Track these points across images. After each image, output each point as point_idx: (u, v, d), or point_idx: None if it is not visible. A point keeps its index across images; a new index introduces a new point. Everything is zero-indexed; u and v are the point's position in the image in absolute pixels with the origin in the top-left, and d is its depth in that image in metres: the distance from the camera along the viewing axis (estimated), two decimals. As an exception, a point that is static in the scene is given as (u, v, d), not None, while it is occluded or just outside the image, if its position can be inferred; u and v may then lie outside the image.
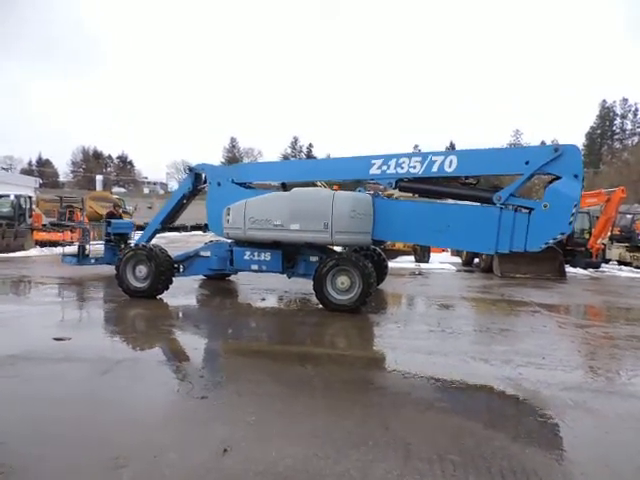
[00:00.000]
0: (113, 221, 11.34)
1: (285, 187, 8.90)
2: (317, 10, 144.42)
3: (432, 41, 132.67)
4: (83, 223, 22.70)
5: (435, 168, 7.52)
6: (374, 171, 7.97)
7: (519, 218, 7.07)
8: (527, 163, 6.99)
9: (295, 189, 8.17)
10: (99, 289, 9.84)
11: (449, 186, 7.90)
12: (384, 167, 7.88)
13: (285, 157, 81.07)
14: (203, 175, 9.35)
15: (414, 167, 7.68)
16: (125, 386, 4.22)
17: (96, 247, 11.47)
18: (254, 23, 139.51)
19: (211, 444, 3.12)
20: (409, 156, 7.81)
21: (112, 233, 10.84)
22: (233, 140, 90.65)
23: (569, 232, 7.14)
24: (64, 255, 11.16)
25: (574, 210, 6.68)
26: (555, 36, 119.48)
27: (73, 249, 11.51)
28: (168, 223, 9.96)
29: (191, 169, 9.37)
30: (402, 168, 7.76)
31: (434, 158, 7.55)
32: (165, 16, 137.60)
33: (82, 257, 10.84)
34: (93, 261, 10.91)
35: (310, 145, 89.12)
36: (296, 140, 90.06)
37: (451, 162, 7.43)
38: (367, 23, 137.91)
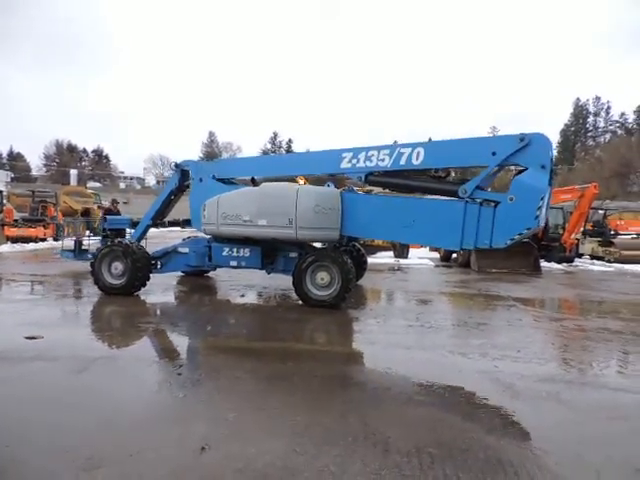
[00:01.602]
0: (109, 217, 11.21)
1: (254, 182, 8.81)
2: (302, 4, 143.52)
3: (427, 42, 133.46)
4: (57, 219, 22.35)
5: (403, 161, 7.26)
6: (345, 165, 7.73)
7: (484, 212, 6.73)
8: (494, 154, 6.63)
9: (263, 184, 8.12)
10: (73, 286, 9.64)
11: (417, 179, 7.64)
12: (354, 160, 7.64)
13: (264, 152, 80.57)
14: (190, 171, 9.29)
15: (383, 160, 7.42)
16: (101, 385, 4.14)
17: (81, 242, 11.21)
18: (231, 17, 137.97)
19: (189, 442, 3.09)
20: (378, 149, 7.50)
21: (108, 229, 10.70)
22: (211, 134, 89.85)
23: (535, 227, 6.52)
24: (62, 250, 10.90)
25: (540, 203, 6.30)
26: (536, 39, 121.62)
27: (70, 244, 11.25)
28: (159, 219, 9.92)
29: (177, 165, 9.36)
30: (371, 161, 7.51)
31: (402, 150, 7.28)
32: (144, 7, 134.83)
33: (79, 252, 10.63)
34: (90, 256, 10.74)
35: (290, 140, 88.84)
36: (276, 135, 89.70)
37: (418, 154, 7.14)
38: (360, 20, 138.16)
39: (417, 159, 7.15)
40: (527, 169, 6.53)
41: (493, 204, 6.70)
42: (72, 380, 4.22)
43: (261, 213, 7.64)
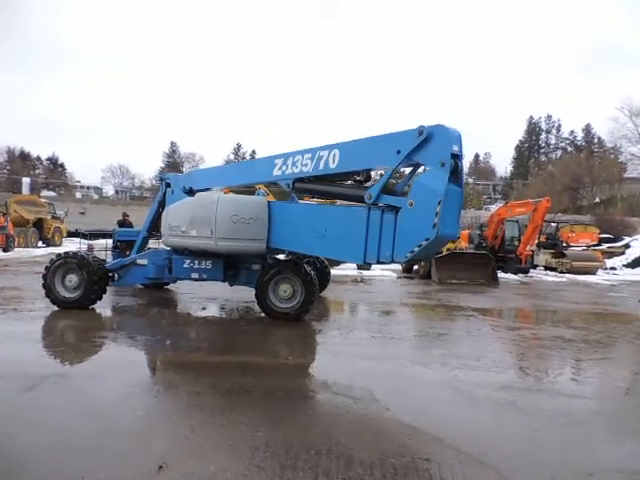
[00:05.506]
0: (118, 229, 10.98)
1: (192, 192, 8.66)
2: (265, 13, 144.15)
3: (376, 61, 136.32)
4: (6, 229, 21.37)
5: (322, 165, 6.65)
6: (276, 172, 7.23)
7: (386, 220, 5.92)
8: (398, 152, 5.84)
9: (198, 194, 8.00)
10: (24, 300, 9.17)
11: (333, 185, 7.06)
12: (284, 167, 7.12)
13: (227, 163, 79.93)
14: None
15: (306, 165, 6.84)
16: (51, 404, 3.94)
17: None
18: (190, 23, 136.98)
19: (146, 461, 2.97)
20: (302, 153, 6.91)
21: (118, 240, 10.36)
22: (173, 144, 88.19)
23: (434, 238, 5.49)
24: None
25: (438, 209, 5.36)
26: (497, 59, 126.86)
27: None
28: (154, 230, 9.74)
29: (162, 179, 9.33)
30: (297, 167, 6.95)
31: (321, 154, 6.65)
32: (99, 9, 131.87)
33: None
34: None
35: (253, 152, 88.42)
36: (239, 146, 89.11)
37: (334, 157, 6.51)
38: (331, 24, 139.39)
39: (333, 162, 6.54)
40: (428, 168, 5.80)
41: (395, 211, 5.92)
42: (20, 399, 3.98)
43: (192, 224, 7.42)
